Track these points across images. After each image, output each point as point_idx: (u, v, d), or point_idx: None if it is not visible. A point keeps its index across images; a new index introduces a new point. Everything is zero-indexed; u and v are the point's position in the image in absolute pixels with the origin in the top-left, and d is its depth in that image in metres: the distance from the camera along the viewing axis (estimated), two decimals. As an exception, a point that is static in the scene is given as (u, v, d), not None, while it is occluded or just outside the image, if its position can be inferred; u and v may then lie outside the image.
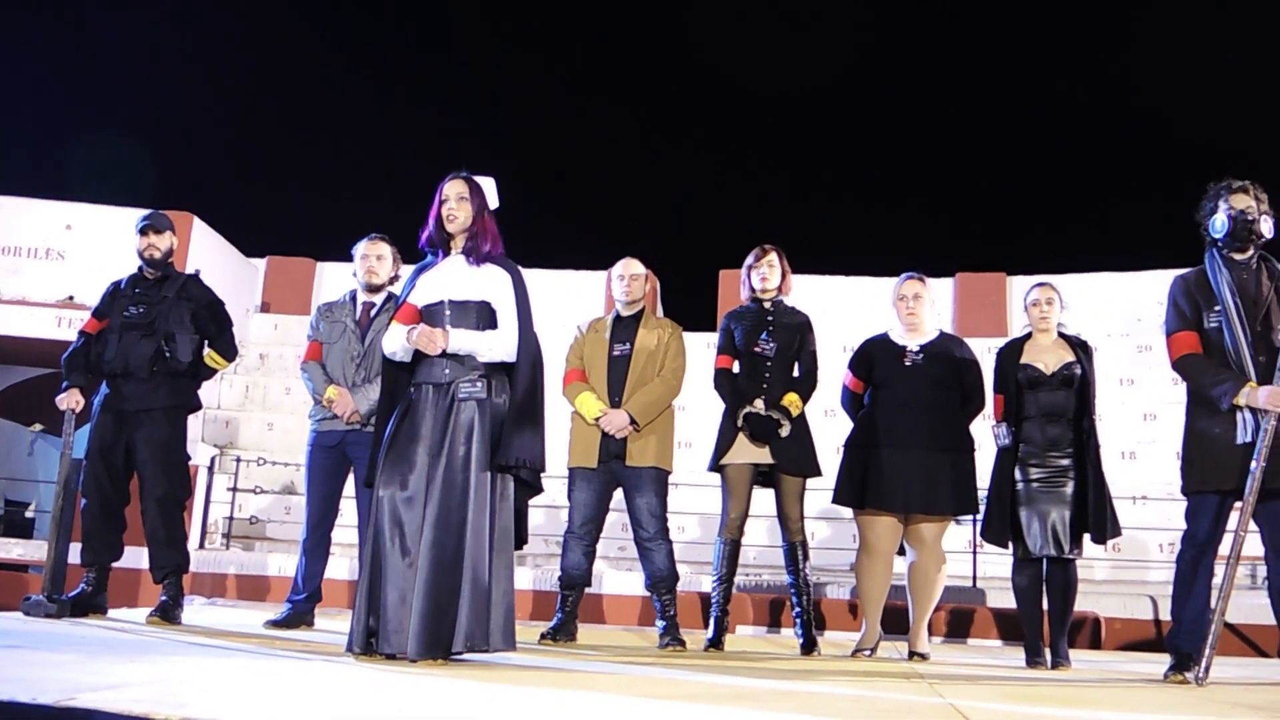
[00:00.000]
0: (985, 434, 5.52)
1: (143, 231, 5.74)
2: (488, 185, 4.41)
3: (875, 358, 5.69)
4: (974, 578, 8.26)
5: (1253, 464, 4.32)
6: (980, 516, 5.55)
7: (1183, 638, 4.53)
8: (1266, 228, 4.60)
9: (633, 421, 5.54)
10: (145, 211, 5.89)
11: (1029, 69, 19.75)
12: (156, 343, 5.56)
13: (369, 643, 3.95)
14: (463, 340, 4.16)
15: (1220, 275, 4.58)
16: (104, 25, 19.16)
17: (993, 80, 20.02)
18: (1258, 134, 17.18)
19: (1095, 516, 5.20)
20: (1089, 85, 19.71)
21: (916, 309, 5.64)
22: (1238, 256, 4.61)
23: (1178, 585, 4.62)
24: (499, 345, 4.20)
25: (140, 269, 5.74)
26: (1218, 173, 4.76)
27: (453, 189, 4.32)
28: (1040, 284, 5.61)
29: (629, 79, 21.12)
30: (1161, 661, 4.78)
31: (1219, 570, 4.49)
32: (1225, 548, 4.48)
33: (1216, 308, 4.56)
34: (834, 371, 6.11)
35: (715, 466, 5.68)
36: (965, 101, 20.50)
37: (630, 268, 5.89)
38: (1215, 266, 4.62)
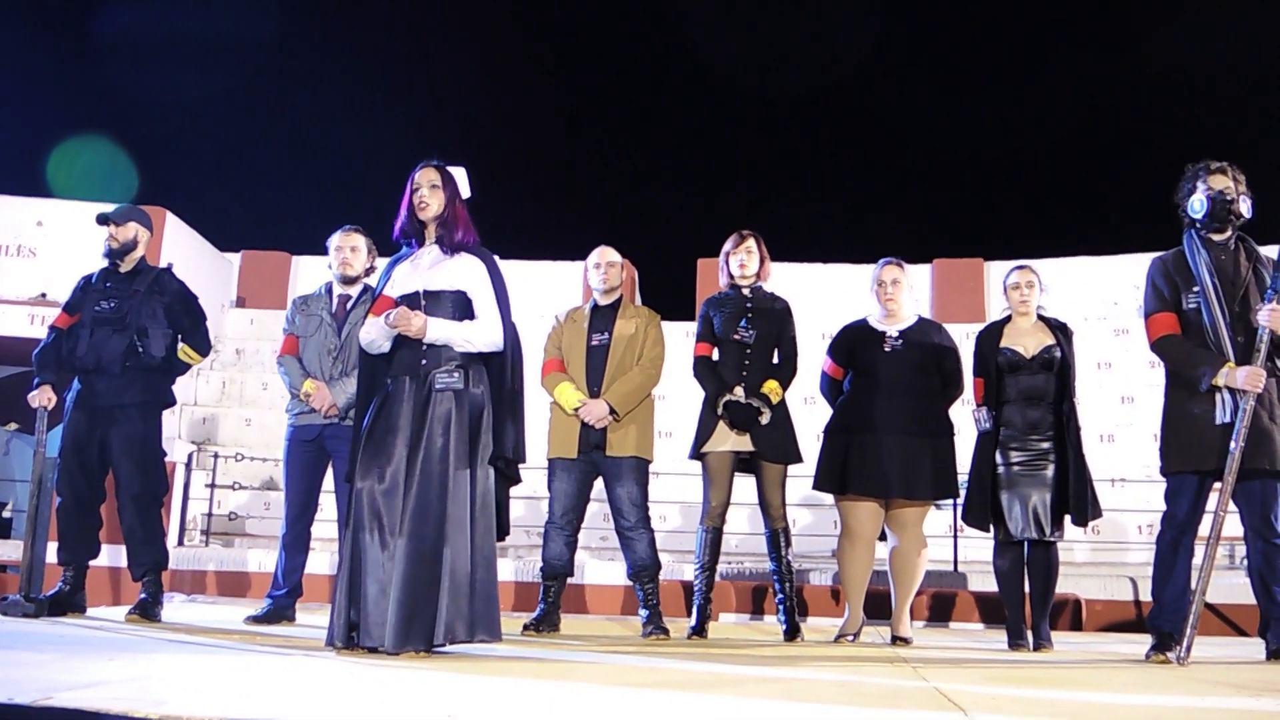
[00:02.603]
0: (965, 418, 5.53)
1: (101, 224, 5.69)
2: (459, 175, 4.38)
3: (855, 343, 5.69)
4: (955, 561, 8.28)
5: (1231, 444, 4.34)
6: (961, 500, 5.56)
7: (1164, 618, 4.56)
8: (1245, 208, 4.62)
9: (612, 411, 5.53)
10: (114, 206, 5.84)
11: (1003, 56, 19.79)
12: (129, 338, 5.50)
13: (350, 636, 3.92)
14: (441, 330, 4.13)
15: (1199, 256, 4.59)
16: (74, 22, 19.00)
17: (967, 67, 20.06)
18: (1233, 116, 17.27)
19: (1076, 499, 5.21)
20: (1064, 70, 19.76)
21: (895, 294, 5.64)
22: (1216, 237, 4.63)
23: (1158, 566, 4.64)
24: (479, 336, 4.18)
25: (111, 263, 5.68)
26: (1194, 154, 4.77)
27: (424, 177, 4.30)
28: (1020, 267, 5.60)
29: (605, 68, 21.07)
30: (1143, 642, 4.80)
31: (1199, 551, 4.52)
32: (1205, 528, 4.50)
33: (1195, 289, 4.57)
34: (813, 358, 6.10)
35: (696, 455, 5.67)
36: (940, 88, 20.53)
37: (606, 256, 5.87)
38: (1194, 247, 4.64)
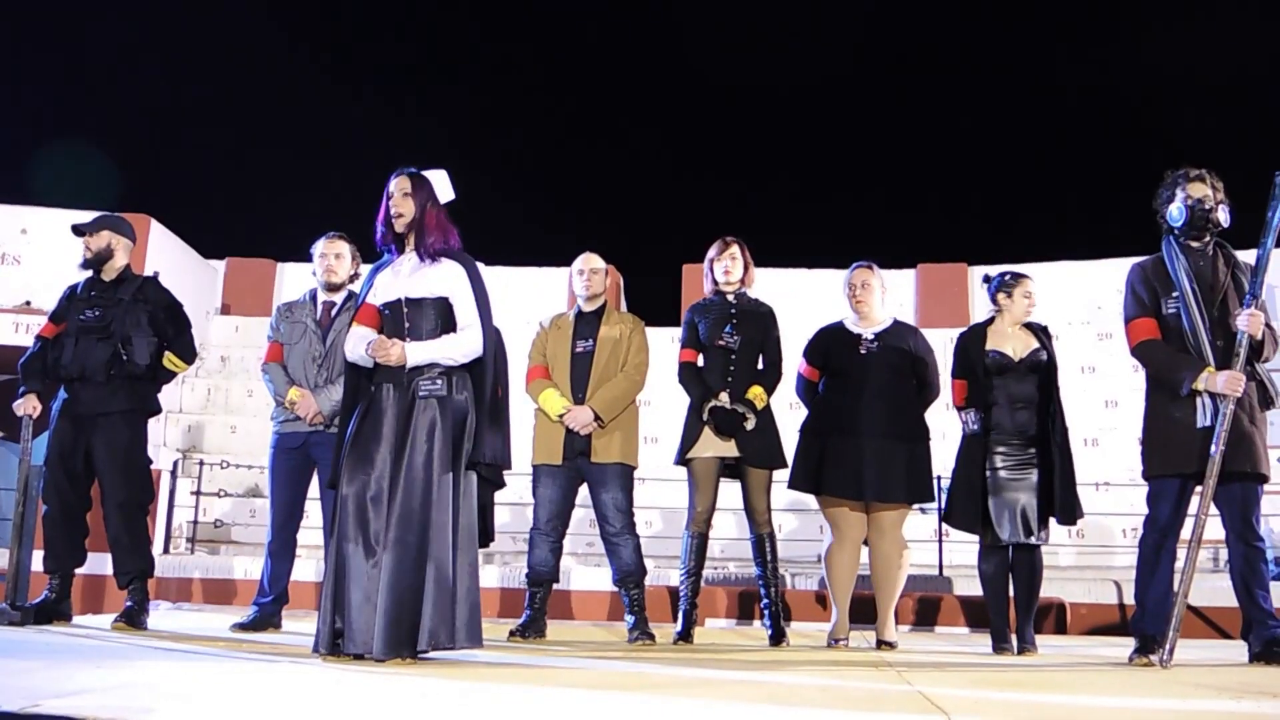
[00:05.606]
0: (945, 422, 5.54)
1: (76, 235, 5.69)
2: (438, 178, 4.37)
3: (830, 346, 5.72)
4: (940, 566, 8.31)
5: (1212, 448, 4.37)
6: (943, 504, 5.57)
7: (1147, 621, 4.58)
8: (1223, 217, 4.66)
9: (597, 417, 5.54)
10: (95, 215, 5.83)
11: (987, 61, 19.86)
12: (113, 346, 5.49)
13: (335, 643, 3.93)
14: (420, 353, 4.13)
15: (1177, 262, 4.63)
16: (59, 29, 18.94)
17: (951, 72, 20.14)
18: (1214, 122, 17.36)
19: (1062, 498, 5.23)
20: (1047, 76, 19.84)
21: (864, 297, 5.68)
22: (1194, 244, 4.67)
23: (1141, 569, 4.67)
24: (458, 349, 4.17)
25: (95, 272, 5.67)
26: (1175, 160, 4.81)
27: (396, 186, 4.30)
28: (1019, 275, 5.61)
29: (589, 73, 21.08)
30: (1126, 645, 4.82)
31: (1181, 554, 4.54)
32: (1187, 532, 4.52)
33: (1174, 294, 4.61)
34: (797, 363, 6.12)
35: (681, 460, 5.69)
36: (924, 94, 20.60)
37: (590, 262, 5.87)
38: (1172, 254, 4.67)
